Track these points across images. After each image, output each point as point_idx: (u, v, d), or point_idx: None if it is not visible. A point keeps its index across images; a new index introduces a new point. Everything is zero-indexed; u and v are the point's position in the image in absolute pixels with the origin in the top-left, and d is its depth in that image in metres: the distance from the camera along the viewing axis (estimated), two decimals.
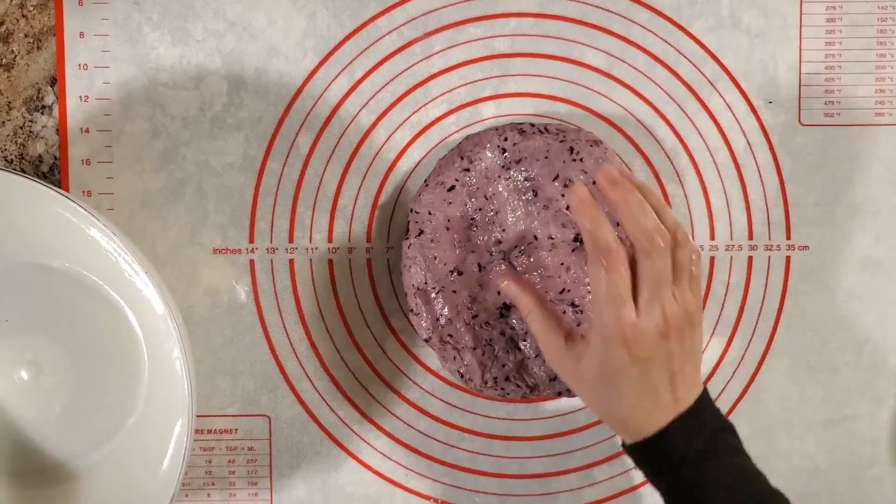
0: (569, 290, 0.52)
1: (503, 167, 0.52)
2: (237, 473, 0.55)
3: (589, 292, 0.52)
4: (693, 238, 0.55)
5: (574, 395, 0.53)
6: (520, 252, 0.52)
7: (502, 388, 0.53)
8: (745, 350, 0.56)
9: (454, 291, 0.52)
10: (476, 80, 0.54)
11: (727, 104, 0.55)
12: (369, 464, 0.56)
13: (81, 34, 0.53)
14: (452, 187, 0.52)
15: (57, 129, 0.54)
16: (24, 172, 0.53)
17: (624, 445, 0.47)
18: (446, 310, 0.52)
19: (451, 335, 0.52)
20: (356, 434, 0.55)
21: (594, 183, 0.52)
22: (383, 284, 0.55)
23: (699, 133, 0.55)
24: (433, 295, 0.52)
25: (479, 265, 0.53)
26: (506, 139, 0.53)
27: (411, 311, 0.53)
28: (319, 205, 0.54)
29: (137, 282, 0.49)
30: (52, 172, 0.54)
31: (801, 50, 0.55)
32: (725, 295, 0.55)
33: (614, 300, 0.45)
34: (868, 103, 0.55)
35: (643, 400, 0.45)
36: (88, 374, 0.51)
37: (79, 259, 0.50)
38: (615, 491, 0.56)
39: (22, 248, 0.50)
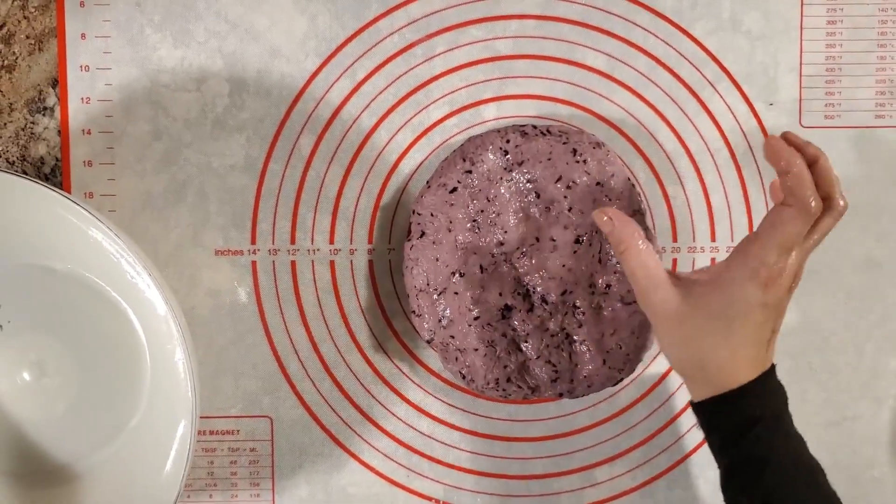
0: (571, 292, 0.52)
1: (505, 169, 0.53)
2: (239, 474, 0.55)
3: (591, 293, 0.52)
4: (694, 240, 0.55)
5: (576, 396, 0.53)
6: (522, 254, 0.53)
7: (504, 389, 0.53)
8: None
9: (456, 293, 0.53)
10: (478, 82, 0.54)
11: (728, 106, 0.55)
12: (371, 464, 0.56)
13: (83, 36, 0.53)
14: (454, 189, 0.53)
15: (59, 131, 0.54)
16: (26, 174, 0.53)
17: (697, 404, 0.47)
18: (448, 311, 0.52)
19: (452, 336, 0.53)
20: (358, 435, 0.55)
21: (598, 184, 0.52)
22: (385, 286, 0.55)
23: (700, 135, 0.55)
24: (435, 296, 0.52)
25: (481, 267, 0.53)
26: (508, 141, 0.53)
27: (413, 312, 0.53)
28: (321, 206, 0.54)
29: (140, 283, 0.49)
30: (54, 174, 0.54)
31: (801, 52, 0.55)
32: None
33: (785, 248, 0.45)
34: (868, 105, 0.55)
35: (746, 349, 0.46)
36: (91, 375, 0.51)
37: (81, 260, 0.50)
38: (617, 492, 0.56)
39: (24, 250, 0.50)
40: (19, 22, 0.53)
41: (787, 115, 0.55)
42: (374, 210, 0.55)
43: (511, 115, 0.54)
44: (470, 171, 0.53)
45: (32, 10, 0.53)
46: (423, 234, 0.53)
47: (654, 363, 0.56)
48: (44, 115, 0.54)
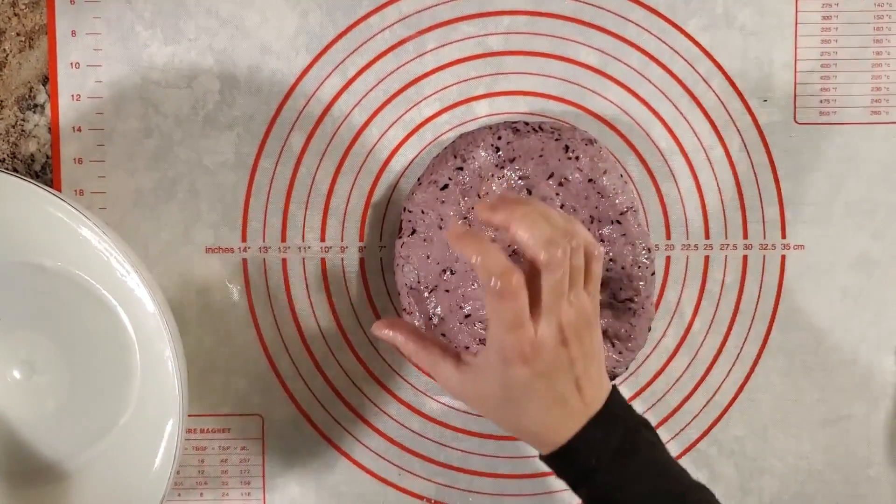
0: None
1: (497, 166, 0.52)
2: (230, 473, 0.55)
3: None
4: (688, 237, 0.55)
5: None
6: (513, 251, 0.52)
7: None
8: (741, 349, 0.56)
9: (447, 291, 0.52)
10: (469, 79, 0.54)
11: (722, 102, 0.54)
12: (362, 463, 0.55)
13: (73, 33, 0.53)
14: (445, 186, 0.52)
15: (49, 128, 0.54)
16: (16, 171, 0.53)
17: (541, 457, 0.46)
18: (439, 309, 0.52)
19: (443, 334, 0.52)
20: (349, 433, 0.55)
21: (590, 181, 0.52)
22: (376, 283, 0.55)
23: (694, 132, 0.55)
24: (426, 294, 0.52)
25: None
26: (499, 138, 0.52)
27: (404, 310, 0.53)
28: (312, 203, 0.54)
29: (129, 281, 0.49)
30: (45, 171, 0.54)
31: (796, 48, 0.54)
32: (720, 294, 0.55)
33: (515, 326, 0.42)
34: (864, 101, 0.55)
35: (552, 410, 0.44)
36: (81, 373, 0.51)
37: (71, 258, 0.50)
38: None
39: (14, 248, 0.50)
40: (10, 19, 0.53)
41: (782, 112, 0.54)
42: (365, 207, 0.54)
43: (503, 112, 0.54)
44: (461, 168, 0.52)
45: (23, 7, 0.53)
46: (413, 231, 0.52)
47: (648, 361, 0.55)
48: (34, 112, 0.54)
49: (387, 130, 0.54)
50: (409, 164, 0.54)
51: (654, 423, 0.56)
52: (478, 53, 0.54)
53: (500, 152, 0.52)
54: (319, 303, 0.55)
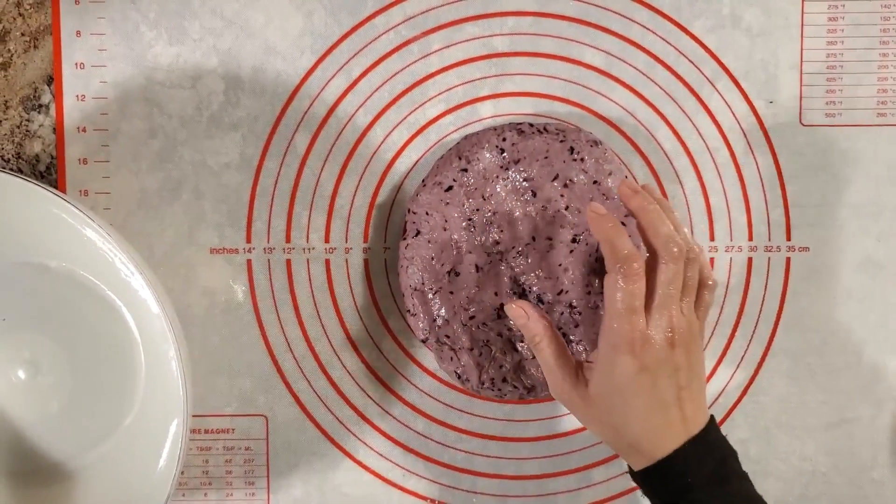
0: (567, 292, 0.52)
1: (502, 167, 0.52)
2: (234, 473, 0.55)
3: (588, 293, 0.52)
4: (693, 236, 0.55)
5: None
6: (518, 253, 0.52)
7: (499, 389, 0.53)
8: (745, 351, 0.55)
9: (451, 292, 0.52)
10: (474, 80, 0.54)
11: (727, 104, 0.54)
12: (366, 464, 0.55)
13: (78, 33, 0.53)
14: (450, 187, 0.52)
15: (54, 129, 0.54)
16: (21, 172, 0.53)
17: (632, 473, 0.47)
18: (443, 310, 0.52)
19: (448, 336, 0.52)
20: (353, 434, 0.55)
21: (595, 183, 0.52)
22: (380, 285, 0.55)
23: (699, 133, 0.54)
24: (430, 295, 0.52)
25: (477, 266, 0.52)
26: (504, 139, 0.52)
27: (408, 311, 0.53)
28: (316, 205, 0.54)
29: (133, 282, 0.49)
30: (49, 172, 0.54)
31: (802, 49, 0.54)
32: (725, 296, 0.55)
33: (629, 311, 0.45)
34: (870, 104, 0.54)
35: (653, 416, 0.45)
36: (85, 373, 0.51)
37: (75, 259, 0.50)
38: (613, 492, 0.56)
39: (18, 248, 0.50)
40: (14, 19, 0.53)
41: (787, 114, 0.54)
42: (369, 208, 0.54)
43: (508, 113, 0.54)
44: (466, 170, 0.52)
45: (28, 7, 0.53)
46: (418, 232, 0.52)
47: None
48: (39, 112, 0.54)
49: (391, 131, 0.54)
50: (414, 166, 0.54)
51: None
52: (483, 54, 0.54)
53: (505, 154, 0.52)
54: (324, 304, 0.55)
